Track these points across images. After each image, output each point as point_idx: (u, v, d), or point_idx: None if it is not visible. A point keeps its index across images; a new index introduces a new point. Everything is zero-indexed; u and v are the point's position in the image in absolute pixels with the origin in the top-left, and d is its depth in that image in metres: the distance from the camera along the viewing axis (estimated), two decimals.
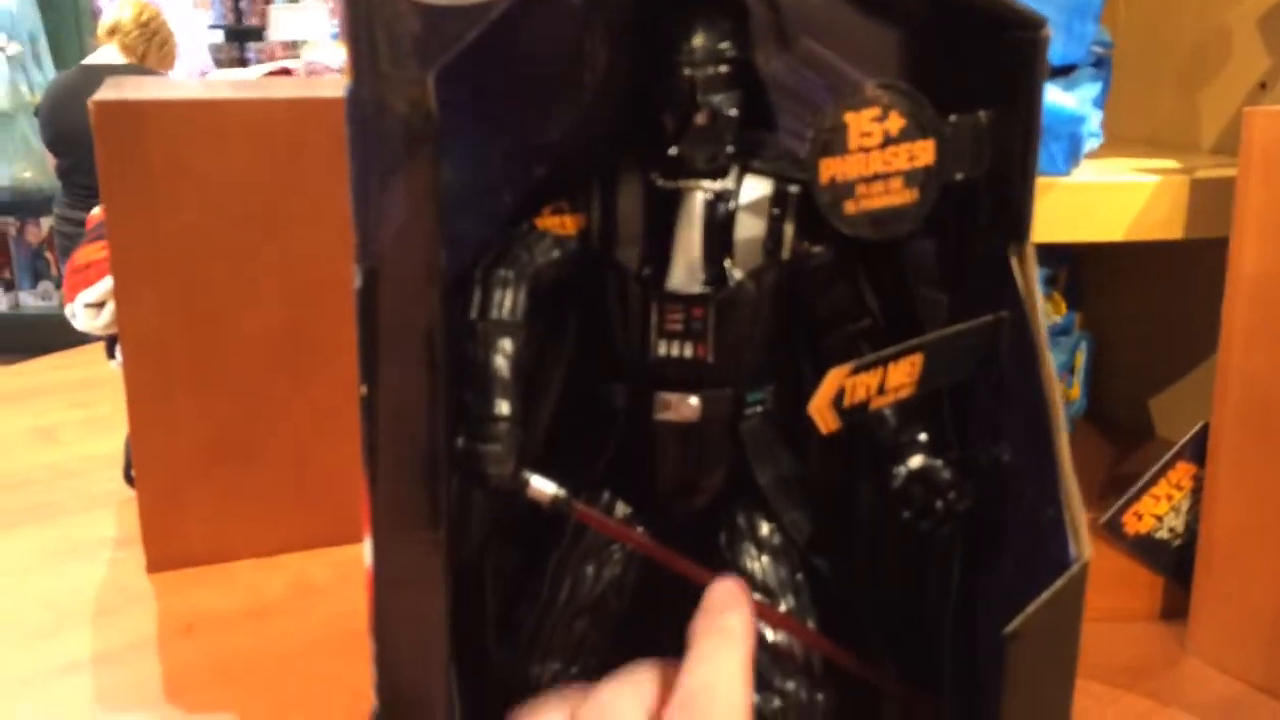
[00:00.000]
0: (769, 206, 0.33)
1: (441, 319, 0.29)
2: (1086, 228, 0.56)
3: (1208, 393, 0.54)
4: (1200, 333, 0.58)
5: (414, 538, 0.30)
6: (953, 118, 0.31)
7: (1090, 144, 0.56)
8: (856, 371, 0.30)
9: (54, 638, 0.58)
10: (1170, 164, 0.59)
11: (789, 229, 0.33)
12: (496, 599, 0.36)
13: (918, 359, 0.31)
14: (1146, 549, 0.58)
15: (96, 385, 0.95)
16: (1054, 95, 0.54)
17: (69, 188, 2.71)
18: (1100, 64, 0.57)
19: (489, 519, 0.35)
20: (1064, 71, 0.56)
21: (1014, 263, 0.31)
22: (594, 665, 0.34)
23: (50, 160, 2.93)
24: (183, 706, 0.52)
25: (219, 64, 4.17)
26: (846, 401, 0.30)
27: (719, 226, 0.33)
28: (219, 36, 4.31)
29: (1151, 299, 0.73)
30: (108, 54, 2.75)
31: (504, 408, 0.31)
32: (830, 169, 0.31)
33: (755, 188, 0.33)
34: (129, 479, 0.70)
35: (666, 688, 0.29)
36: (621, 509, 0.35)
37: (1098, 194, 0.56)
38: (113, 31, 2.75)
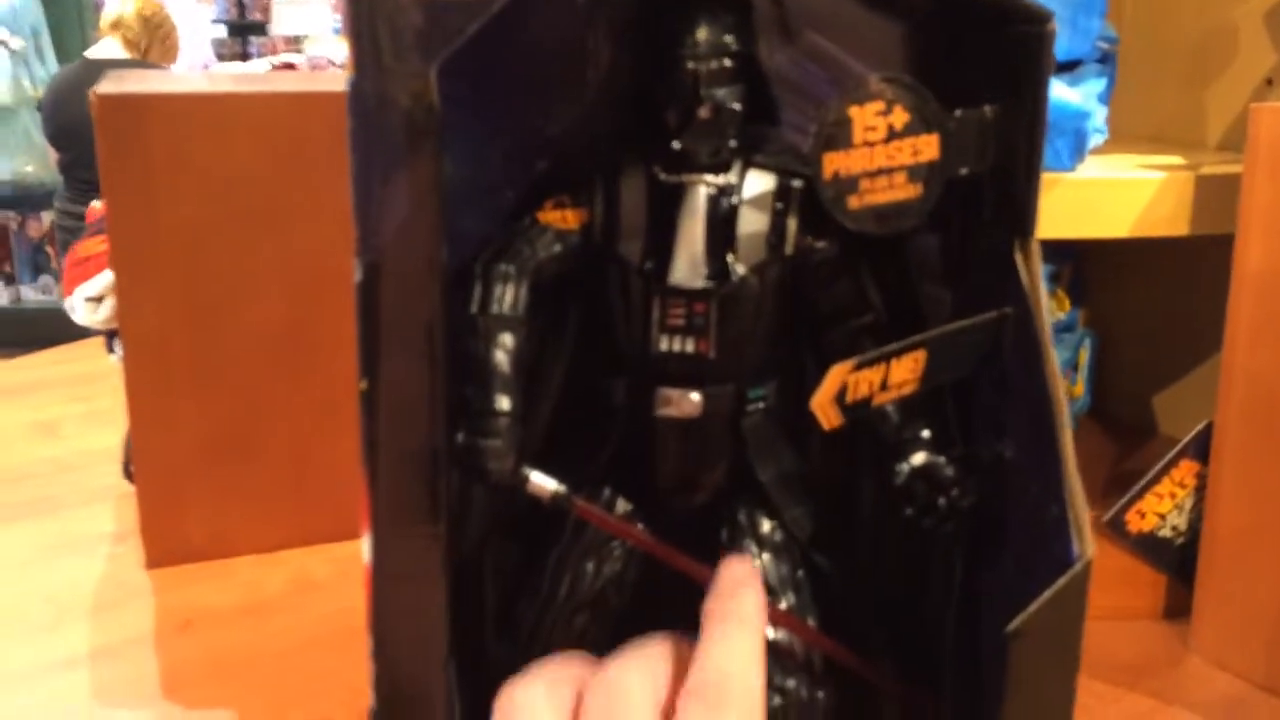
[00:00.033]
0: (772, 201, 0.33)
1: (442, 313, 0.29)
2: (1091, 224, 0.55)
3: (1212, 390, 0.54)
4: (1204, 330, 0.58)
5: (414, 533, 0.30)
6: (957, 112, 0.31)
7: (1095, 140, 0.56)
8: (859, 367, 0.30)
9: (53, 632, 0.58)
10: (1175, 160, 0.59)
11: (792, 224, 0.33)
12: (496, 594, 0.35)
13: (921, 355, 0.31)
14: (1149, 547, 0.58)
15: (97, 379, 0.95)
16: (1059, 91, 0.54)
17: (70, 182, 2.71)
18: (1105, 59, 0.57)
19: (489, 514, 0.34)
20: (1069, 67, 0.55)
21: (1018, 259, 0.31)
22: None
23: (52, 154, 2.93)
24: (181, 702, 0.52)
25: (221, 58, 4.17)
26: (849, 397, 0.30)
27: (722, 221, 0.32)
28: (222, 31, 4.31)
29: (1155, 296, 0.73)
30: (110, 48, 2.75)
31: (504, 403, 0.31)
32: (834, 163, 0.31)
33: (758, 182, 0.33)
34: (128, 474, 0.70)
35: (676, 664, 0.28)
36: (622, 505, 0.35)
37: (1102, 190, 0.55)
38: (115, 25, 2.74)
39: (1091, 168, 0.56)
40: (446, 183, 0.28)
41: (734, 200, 0.32)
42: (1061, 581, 0.27)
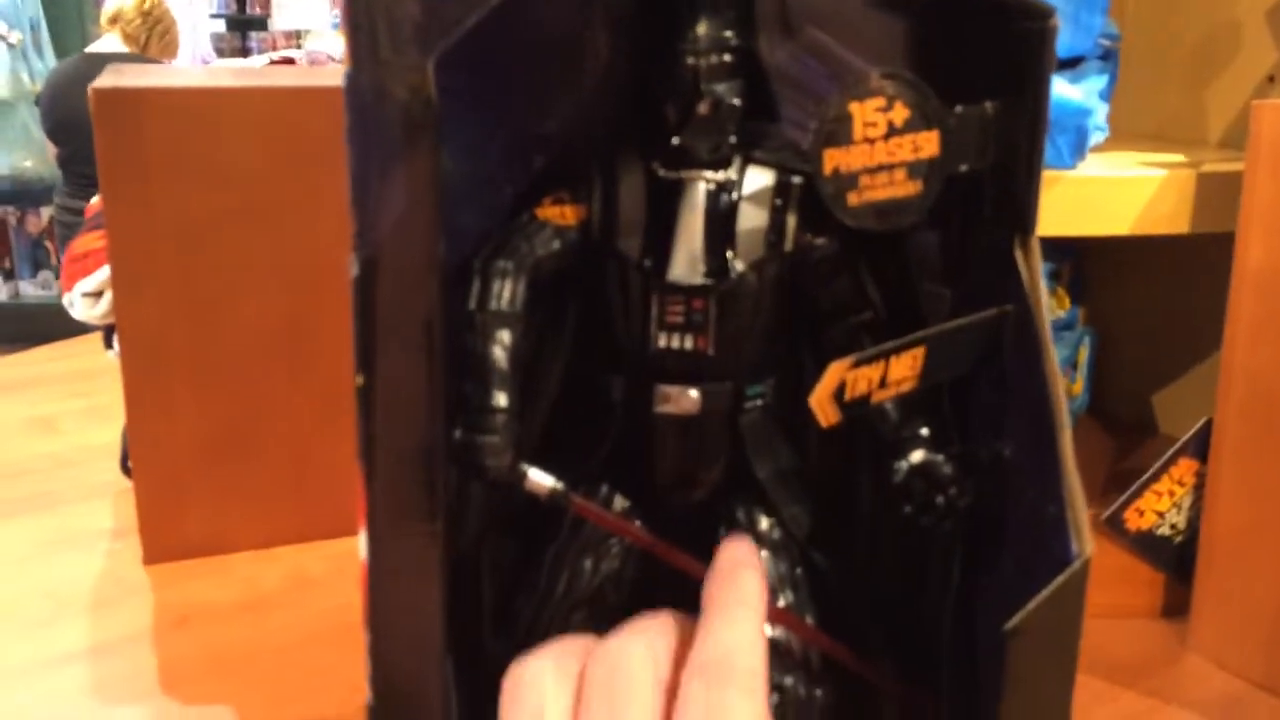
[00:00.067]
0: (771, 197, 0.33)
1: (440, 309, 0.29)
2: (1092, 222, 0.55)
3: (1211, 389, 0.54)
4: (1204, 328, 0.58)
5: (411, 529, 0.30)
6: (958, 109, 0.31)
7: (1096, 137, 0.56)
8: (858, 365, 0.30)
9: (50, 628, 0.58)
10: (1177, 158, 0.59)
11: (791, 220, 0.33)
12: (494, 591, 0.35)
13: (920, 352, 0.31)
14: (1148, 545, 0.58)
15: (96, 375, 0.95)
16: (1060, 88, 0.54)
17: (69, 177, 2.71)
18: (1107, 56, 0.57)
19: (486, 511, 0.34)
20: (1071, 64, 0.55)
21: (1018, 256, 0.31)
22: None
23: (51, 149, 2.93)
24: (178, 698, 0.52)
25: (221, 53, 4.17)
26: (847, 395, 0.30)
27: (721, 217, 0.32)
28: (221, 25, 4.30)
29: (1155, 294, 0.73)
30: (109, 42, 2.75)
31: (502, 399, 0.31)
32: (834, 160, 0.31)
33: (758, 178, 0.33)
34: (126, 470, 0.69)
35: (678, 640, 0.28)
36: (620, 502, 0.34)
37: (1103, 188, 0.55)
38: (114, 20, 2.74)
39: (1092, 165, 0.56)
40: (444, 178, 0.28)
41: (733, 197, 0.32)
42: (1060, 580, 0.27)
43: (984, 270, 0.32)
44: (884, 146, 0.31)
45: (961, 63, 0.31)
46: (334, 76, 0.28)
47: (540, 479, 0.31)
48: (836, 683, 0.34)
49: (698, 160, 0.32)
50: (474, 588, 0.35)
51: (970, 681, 0.32)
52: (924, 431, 0.32)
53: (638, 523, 0.34)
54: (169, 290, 0.61)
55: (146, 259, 0.60)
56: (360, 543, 0.29)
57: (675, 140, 0.32)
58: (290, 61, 3.38)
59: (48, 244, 3.48)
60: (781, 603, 0.34)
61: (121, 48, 2.73)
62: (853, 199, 0.31)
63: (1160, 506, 0.57)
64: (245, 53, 4.22)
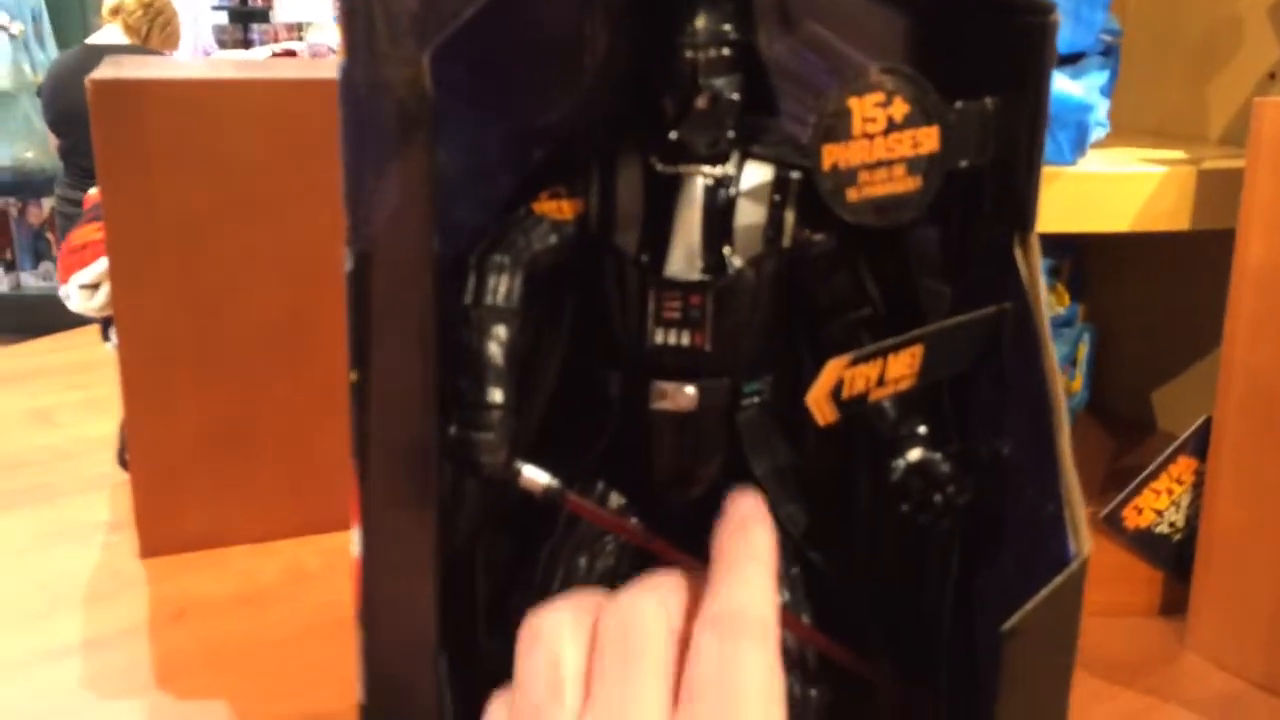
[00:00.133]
0: (770, 193, 0.32)
1: (435, 304, 0.29)
2: (1092, 218, 0.55)
3: (1211, 386, 0.54)
4: (1204, 325, 0.58)
5: (404, 526, 0.29)
6: (958, 104, 0.31)
7: (1097, 133, 0.56)
8: (855, 363, 0.30)
9: (46, 621, 0.58)
10: (1178, 154, 0.59)
11: (790, 216, 0.33)
12: (488, 588, 0.35)
13: (918, 350, 0.30)
14: (1146, 543, 0.58)
15: (95, 367, 0.95)
16: (1061, 83, 0.54)
17: (70, 168, 2.71)
18: (1108, 52, 0.57)
19: (481, 507, 0.34)
20: (1072, 59, 0.55)
21: (1018, 253, 0.31)
22: None
23: (52, 140, 2.93)
24: (173, 692, 0.52)
25: (223, 45, 4.16)
26: (845, 393, 0.30)
27: (719, 213, 0.32)
28: (223, 18, 4.30)
29: (1155, 291, 0.73)
30: (111, 34, 2.75)
31: (497, 395, 0.30)
32: (833, 155, 0.30)
33: (756, 174, 0.32)
34: (123, 462, 0.69)
35: (689, 595, 0.28)
36: (615, 499, 0.34)
37: (1104, 184, 0.55)
38: (116, 11, 2.74)
39: (1093, 161, 0.56)
40: (440, 172, 0.28)
41: (731, 192, 0.32)
42: (1058, 580, 0.27)
43: (983, 267, 0.32)
44: (883, 142, 0.30)
45: (962, 58, 0.31)
46: (335, 69, 0.28)
47: (535, 476, 0.31)
48: (833, 682, 0.34)
49: (696, 155, 0.32)
50: (468, 585, 0.35)
51: (968, 680, 0.32)
52: (922, 429, 0.32)
53: (633, 520, 0.34)
54: (167, 283, 0.60)
55: (145, 251, 0.60)
56: (353, 539, 0.29)
57: (673, 135, 0.31)
58: (292, 54, 3.37)
59: (49, 235, 3.48)
60: (777, 601, 0.34)
61: (123, 39, 2.72)
62: (851, 195, 0.31)
63: (1159, 504, 0.57)
64: (247, 45, 4.21)
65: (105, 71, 0.61)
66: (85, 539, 0.66)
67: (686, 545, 0.33)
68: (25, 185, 3.46)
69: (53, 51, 3.42)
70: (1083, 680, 0.29)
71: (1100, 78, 0.56)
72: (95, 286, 0.65)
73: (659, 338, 0.32)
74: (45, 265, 3.52)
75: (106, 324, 0.69)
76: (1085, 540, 0.28)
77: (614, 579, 0.34)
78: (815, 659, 0.34)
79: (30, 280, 3.56)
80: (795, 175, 0.32)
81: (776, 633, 0.27)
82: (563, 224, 0.33)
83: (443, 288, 0.29)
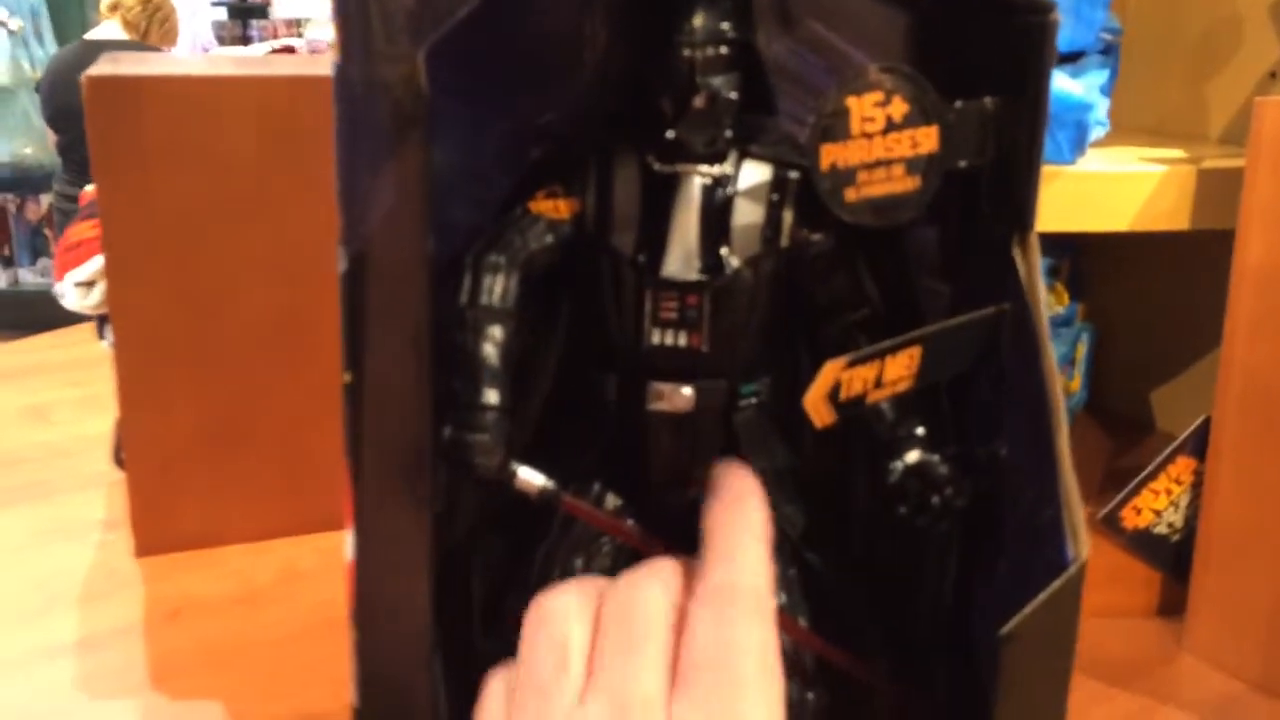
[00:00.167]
0: (768, 192, 0.32)
1: (430, 305, 0.28)
2: (1091, 218, 0.55)
3: (1210, 386, 0.53)
4: (1204, 325, 0.58)
5: (399, 528, 0.29)
6: (957, 104, 0.30)
7: (1097, 132, 0.56)
8: (853, 364, 0.29)
9: (42, 619, 0.58)
10: (1177, 154, 0.59)
11: (788, 216, 0.32)
12: (484, 590, 0.35)
13: (916, 352, 0.30)
14: (1144, 544, 0.57)
15: (91, 364, 0.94)
16: (1061, 82, 0.53)
17: (69, 164, 2.70)
18: (1108, 51, 0.56)
19: (476, 508, 0.34)
20: (1072, 58, 0.55)
21: (1017, 254, 0.31)
22: None
23: (50, 136, 2.92)
24: (168, 692, 0.51)
25: (222, 41, 4.16)
26: (842, 395, 0.30)
27: (716, 212, 0.32)
28: (222, 13, 4.29)
29: (1155, 290, 0.73)
30: (109, 30, 2.74)
31: (492, 397, 0.30)
32: (831, 155, 0.30)
33: (754, 173, 0.32)
34: (118, 461, 0.69)
35: (689, 579, 0.29)
36: (612, 500, 0.34)
37: (1103, 183, 0.55)
38: (114, 7, 2.73)
39: (1092, 161, 0.56)
40: (435, 171, 0.28)
41: (729, 191, 0.32)
42: (1056, 585, 0.27)
43: (982, 267, 0.32)
44: (882, 142, 0.30)
45: (961, 57, 0.31)
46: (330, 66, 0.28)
47: (530, 478, 0.31)
48: (830, 685, 0.34)
49: (693, 154, 0.32)
50: (464, 586, 0.35)
51: (967, 683, 0.32)
52: (920, 431, 0.32)
53: (630, 521, 0.34)
54: (163, 281, 0.60)
55: (140, 249, 0.60)
56: (347, 541, 0.29)
57: (670, 134, 0.31)
58: (291, 50, 3.37)
59: (47, 231, 3.47)
60: (774, 604, 0.33)
61: (122, 35, 2.72)
62: (850, 195, 0.30)
63: (1157, 505, 0.57)
64: (246, 41, 4.20)
65: (101, 68, 0.60)
66: (81, 537, 0.66)
67: (683, 546, 0.32)
68: (23, 181, 3.46)
69: (51, 47, 3.42)
70: (1080, 681, 0.29)
71: (1100, 76, 0.55)
72: (90, 284, 0.65)
73: (656, 338, 0.32)
74: (43, 261, 3.51)
75: (102, 322, 0.69)
76: (1084, 544, 0.27)
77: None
78: (812, 661, 0.34)
79: (28, 276, 3.55)
80: (793, 175, 0.32)
81: (772, 603, 0.28)
82: (559, 223, 0.32)
83: (438, 288, 0.29)
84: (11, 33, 3.35)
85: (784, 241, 0.32)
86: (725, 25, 0.31)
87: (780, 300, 0.33)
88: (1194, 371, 0.70)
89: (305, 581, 0.60)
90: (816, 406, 0.29)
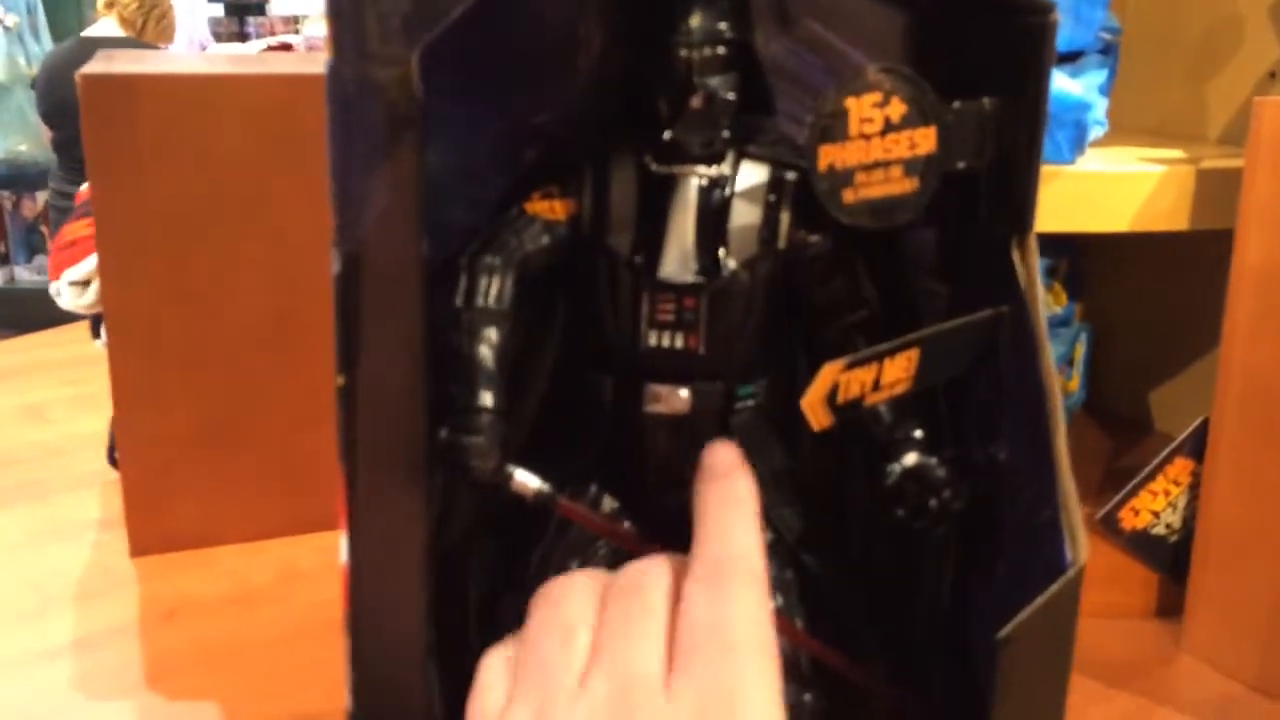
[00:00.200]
0: (765, 194, 0.32)
1: (425, 307, 0.28)
2: (1090, 218, 0.55)
3: (1209, 386, 0.53)
4: (1202, 325, 0.58)
5: (394, 531, 0.29)
6: (956, 104, 0.30)
7: (1096, 132, 0.55)
8: (851, 367, 0.29)
9: (37, 620, 0.57)
10: (1176, 154, 0.58)
11: (785, 217, 0.32)
12: (480, 592, 0.35)
13: (914, 354, 0.30)
14: (1142, 545, 0.57)
15: (86, 363, 0.94)
16: (1060, 82, 0.53)
17: (65, 161, 2.70)
18: (1108, 50, 0.56)
19: (472, 512, 0.34)
20: (1071, 57, 0.55)
21: (1015, 256, 0.31)
22: None
23: (46, 133, 2.91)
24: (164, 693, 0.51)
25: (219, 38, 4.14)
26: (840, 398, 0.29)
27: (713, 214, 0.32)
28: (219, 10, 4.28)
29: (1154, 290, 0.73)
30: (106, 26, 2.73)
31: (488, 399, 0.30)
32: (829, 156, 0.30)
33: (751, 174, 0.32)
34: (113, 460, 0.69)
35: (687, 567, 0.29)
36: (608, 503, 0.34)
37: (1102, 183, 0.55)
38: (111, 4, 2.72)
39: (1091, 160, 0.55)
40: (430, 172, 0.28)
41: (726, 192, 0.32)
42: (1054, 588, 0.27)
43: (981, 268, 0.32)
44: (880, 143, 0.30)
45: (960, 57, 0.30)
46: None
47: (526, 480, 0.31)
48: (827, 687, 0.33)
49: (690, 155, 0.32)
50: (460, 589, 0.34)
51: (964, 685, 0.32)
52: (918, 433, 0.32)
53: (626, 524, 0.33)
54: (158, 280, 0.60)
55: (136, 248, 0.59)
56: (341, 545, 0.29)
57: (667, 134, 0.31)
58: (287, 47, 3.36)
59: (43, 229, 3.46)
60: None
61: (118, 32, 2.71)
62: (848, 196, 0.30)
63: (1155, 506, 0.57)
64: (243, 38, 4.19)
65: (96, 66, 0.60)
66: (77, 537, 0.66)
67: (680, 549, 0.32)
68: (19, 178, 3.45)
69: (47, 44, 3.41)
70: (1078, 682, 0.29)
71: (1099, 76, 0.55)
72: (86, 283, 0.65)
73: (652, 340, 0.32)
74: (39, 259, 3.50)
75: (96, 321, 0.68)
76: (1082, 548, 0.27)
77: None
78: (809, 664, 0.33)
79: (24, 274, 3.54)
80: (791, 176, 0.32)
81: (765, 575, 0.28)
82: (555, 224, 0.32)
83: (432, 289, 0.29)
84: (7, 29, 3.34)
85: (781, 243, 0.32)
86: (723, 25, 0.31)
87: (778, 302, 0.33)
88: (1192, 372, 0.70)
89: (301, 582, 0.60)
90: (814, 409, 0.29)
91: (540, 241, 0.32)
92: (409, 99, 0.27)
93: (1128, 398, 0.75)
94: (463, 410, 0.30)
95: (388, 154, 0.27)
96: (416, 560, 0.29)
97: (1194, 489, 0.56)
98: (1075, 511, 0.28)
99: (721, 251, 0.32)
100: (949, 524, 0.32)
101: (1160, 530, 0.57)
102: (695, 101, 0.31)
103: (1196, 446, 0.55)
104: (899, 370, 0.30)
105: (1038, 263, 0.31)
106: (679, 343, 0.32)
